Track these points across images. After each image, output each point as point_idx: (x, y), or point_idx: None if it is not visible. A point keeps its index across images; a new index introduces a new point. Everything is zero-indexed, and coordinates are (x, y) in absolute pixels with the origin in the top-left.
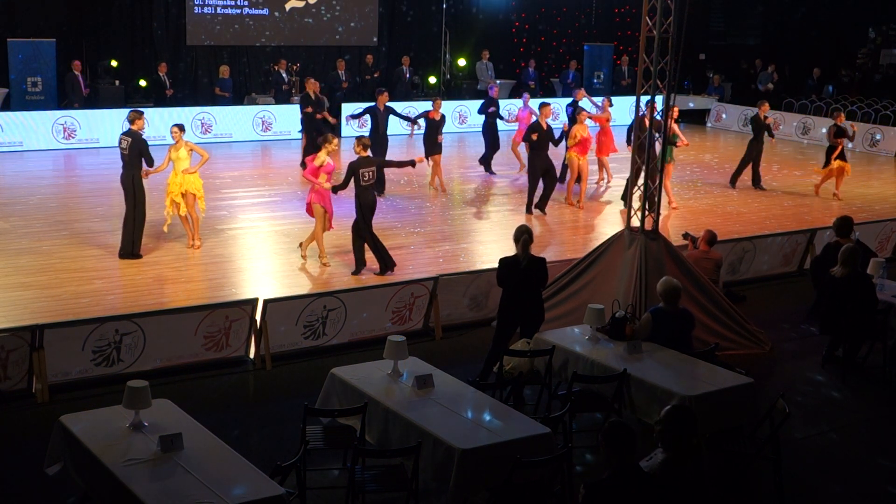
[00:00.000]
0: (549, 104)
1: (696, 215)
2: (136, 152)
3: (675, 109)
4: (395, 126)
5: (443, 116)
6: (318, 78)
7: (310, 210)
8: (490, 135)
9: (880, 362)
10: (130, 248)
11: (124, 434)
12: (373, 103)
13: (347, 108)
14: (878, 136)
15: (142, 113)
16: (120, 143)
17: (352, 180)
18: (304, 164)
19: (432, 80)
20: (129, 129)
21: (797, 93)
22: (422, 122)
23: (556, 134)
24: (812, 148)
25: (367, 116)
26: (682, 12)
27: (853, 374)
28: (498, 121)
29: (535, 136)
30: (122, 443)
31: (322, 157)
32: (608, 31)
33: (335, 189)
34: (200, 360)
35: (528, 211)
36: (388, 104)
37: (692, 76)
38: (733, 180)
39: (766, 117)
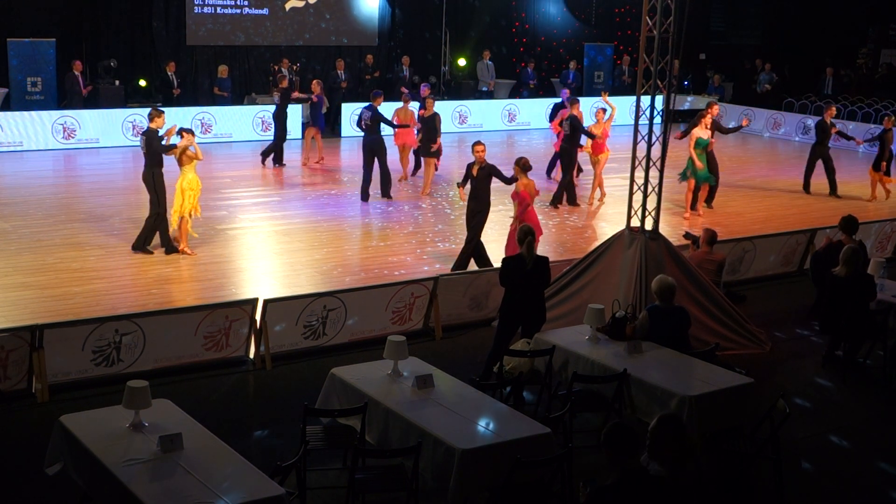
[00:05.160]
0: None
1: (697, 215)
2: (151, 149)
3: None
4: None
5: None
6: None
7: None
8: None
9: (880, 362)
10: (142, 244)
11: (124, 434)
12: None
13: (347, 109)
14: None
15: (162, 112)
16: (141, 142)
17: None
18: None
19: (432, 79)
20: (148, 127)
21: (799, 92)
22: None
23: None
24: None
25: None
26: (682, 12)
27: (853, 374)
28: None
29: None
30: (122, 443)
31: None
32: (608, 31)
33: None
34: (200, 360)
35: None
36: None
37: (692, 76)
38: (806, 186)
39: (832, 123)
